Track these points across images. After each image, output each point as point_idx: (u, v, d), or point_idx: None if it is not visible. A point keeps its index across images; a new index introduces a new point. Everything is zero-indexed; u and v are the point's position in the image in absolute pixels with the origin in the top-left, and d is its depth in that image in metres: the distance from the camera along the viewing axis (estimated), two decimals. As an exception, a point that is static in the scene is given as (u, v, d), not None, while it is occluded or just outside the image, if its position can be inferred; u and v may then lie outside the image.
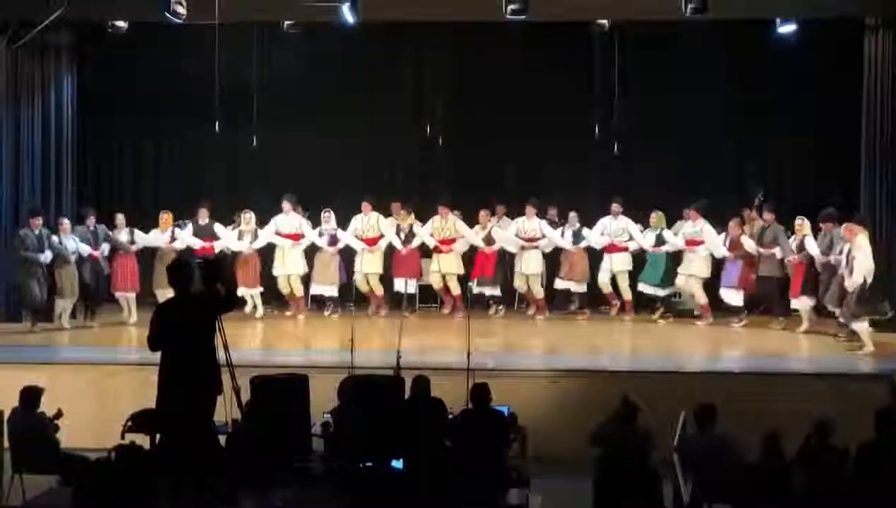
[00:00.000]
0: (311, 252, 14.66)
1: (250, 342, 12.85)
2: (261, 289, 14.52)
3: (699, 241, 13.89)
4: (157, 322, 7.68)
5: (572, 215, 14.50)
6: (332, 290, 14.58)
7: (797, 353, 12.25)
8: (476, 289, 14.25)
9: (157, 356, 7.67)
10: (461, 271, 14.52)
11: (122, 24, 13.82)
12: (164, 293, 13.56)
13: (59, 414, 8.77)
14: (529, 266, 14.39)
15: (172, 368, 7.56)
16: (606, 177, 15.38)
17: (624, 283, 14.40)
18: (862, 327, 11.84)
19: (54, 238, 13.23)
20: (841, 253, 12.19)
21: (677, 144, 15.21)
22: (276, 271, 14.58)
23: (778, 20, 13.50)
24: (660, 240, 14.17)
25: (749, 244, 13.60)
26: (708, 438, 7.90)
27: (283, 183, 15.04)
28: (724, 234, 13.86)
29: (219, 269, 8.00)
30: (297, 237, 14.45)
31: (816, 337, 12.78)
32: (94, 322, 13.79)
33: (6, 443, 8.64)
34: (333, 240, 14.49)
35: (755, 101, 14.97)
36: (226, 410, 7.98)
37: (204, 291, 7.73)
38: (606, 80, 14.34)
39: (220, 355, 7.72)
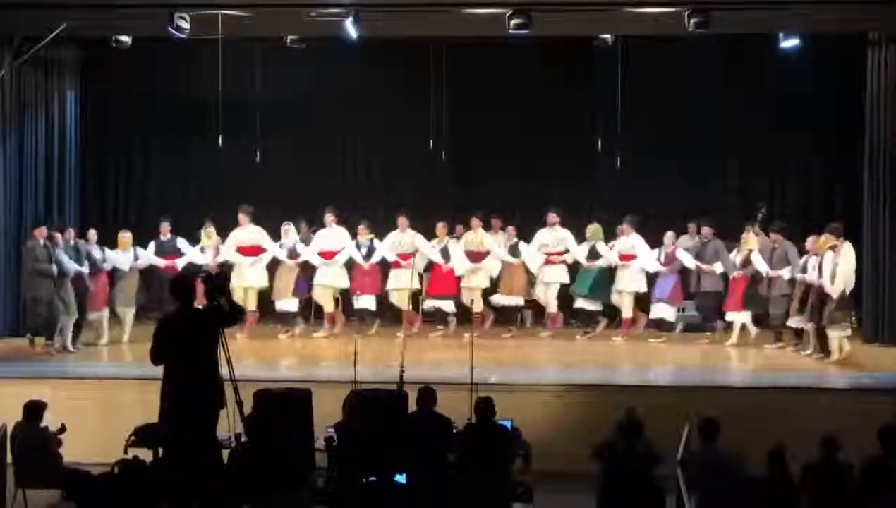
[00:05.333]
0: (273, 265, 14.32)
1: (251, 356, 12.81)
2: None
3: (632, 256, 13.90)
4: (159, 336, 7.68)
5: (510, 229, 14.41)
6: (290, 306, 14.24)
7: (801, 369, 12.21)
8: (429, 304, 14.19)
9: (160, 370, 7.67)
10: (416, 286, 14.13)
11: (125, 39, 13.79)
12: (125, 311, 13.65)
13: (62, 429, 8.77)
14: (473, 280, 14.21)
15: (175, 382, 7.56)
16: (610, 190, 15.38)
17: (552, 295, 14.20)
18: (834, 335, 12.04)
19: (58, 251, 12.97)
20: (814, 268, 12.22)
21: (680, 158, 15.23)
22: (233, 282, 13.86)
23: (781, 35, 13.50)
24: (593, 254, 14.11)
25: (686, 259, 13.71)
26: (712, 453, 7.88)
27: (284, 196, 15.05)
28: (658, 249, 13.92)
29: (222, 284, 8.01)
30: (255, 251, 14.10)
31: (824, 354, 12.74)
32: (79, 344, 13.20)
33: (9, 458, 8.63)
34: (293, 254, 14.18)
35: (758, 115, 14.98)
36: (229, 424, 7.98)
37: (207, 306, 7.74)
38: (609, 94, 14.34)
39: (223, 369, 7.71)
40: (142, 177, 16.48)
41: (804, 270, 12.38)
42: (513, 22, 12.39)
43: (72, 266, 12.90)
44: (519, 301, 14.38)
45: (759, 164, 15.57)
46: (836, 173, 15.16)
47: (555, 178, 15.58)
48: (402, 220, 14.27)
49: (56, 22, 12.86)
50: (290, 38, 14.06)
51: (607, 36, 13.82)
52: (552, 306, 14.23)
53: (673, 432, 8.33)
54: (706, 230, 13.76)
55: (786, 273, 12.77)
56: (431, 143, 15.03)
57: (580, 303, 14.27)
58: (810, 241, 12.45)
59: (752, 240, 13.27)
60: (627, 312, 13.97)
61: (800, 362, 12.45)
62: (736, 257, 13.34)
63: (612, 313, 14.32)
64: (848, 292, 12.03)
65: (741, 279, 13.26)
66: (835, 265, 11.96)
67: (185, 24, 12.60)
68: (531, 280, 14.31)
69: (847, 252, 12.08)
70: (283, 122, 15.22)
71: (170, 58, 14.68)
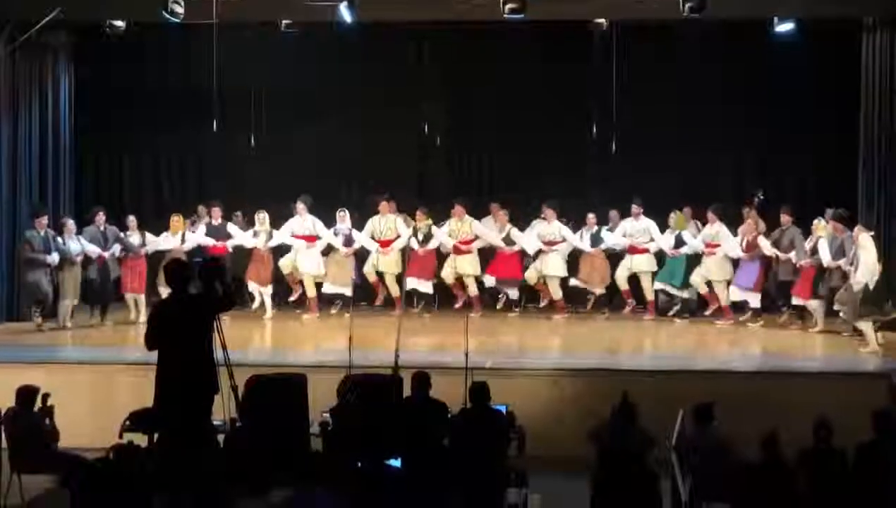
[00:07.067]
0: (325, 251, 14.46)
1: (252, 341, 12.83)
2: (271, 289, 14.34)
3: (716, 244, 13.80)
4: (153, 320, 7.69)
5: (590, 217, 14.43)
6: (345, 291, 14.25)
7: (797, 353, 12.22)
8: (496, 286, 14.57)
9: (155, 355, 7.68)
10: (478, 272, 14.44)
11: (119, 23, 13.79)
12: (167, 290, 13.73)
13: (45, 398, 8.65)
14: (550, 267, 14.31)
15: (168, 367, 7.57)
16: (604, 176, 15.36)
17: (647, 284, 14.30)
18: (866, 326, 11.85)
19: (59, 239, 13.13)
20: (855, 256, 12.05)
21: (676, 143, 15.19)
22: (283, 261, 14.37)
23: (776, 19, 13.50)
24: (679, 242, 14.10)
25: (766, 246, 13.46)
26: (706, 437, 7.90)
27: (281, 183, 15.03)
28: (740, 236, 13.73)
29: (217, 269, 8.00)
30: (311, 239, 14.26)
31: (819, 337, 12.76)
32: (107, 321, 13.64)
33: (3, 443, 8.63)
34: (349, 241, 14.34)
35: (753, 100, 14.96)
36: (224, 409, 7.98)
37: (201, 291, 7.74)
38: (604, 79, 14.33)
39: (219, 354, 7.71)
40: (136, 161, 16.46)
41: (852, 262, 12.02)
42: (507, 7, 12.38)
43: (91, 250, 13.34)
44: (600, 289, 14.49)
45: (755, 150, 15.53)
46: (832, 158, 15.12)
47: (548, 164, 15.57)
48: (459, 209, 14.42)
49: (48, 7, 12.81)
50: (284, 22, 14.03)
51: (602, 21, 13.80)
52: (649, 295, 14.32)
53: (668, 416, 8.34)
54: (785, 218, 13.41)
55: (843, 263, 12.39)
56: (426, 129, 15.00)
57: (669, 290, 14.30)
58: (857, 230, 12.29)
59: (822, 227, 12.93)
60: (725, 300, 13.84)
61: (797, 346, 12.46)
62: (808, 245, 13.01)
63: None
64: (872, 286, 11.72)
65: (809, 267, 12.94)
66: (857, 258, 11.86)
67: (180, 9, 12.56)
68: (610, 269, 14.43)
69: (866, 244, 11.86)
70: (278, 107, 15.18)
71: (164, 42, 14.65)
